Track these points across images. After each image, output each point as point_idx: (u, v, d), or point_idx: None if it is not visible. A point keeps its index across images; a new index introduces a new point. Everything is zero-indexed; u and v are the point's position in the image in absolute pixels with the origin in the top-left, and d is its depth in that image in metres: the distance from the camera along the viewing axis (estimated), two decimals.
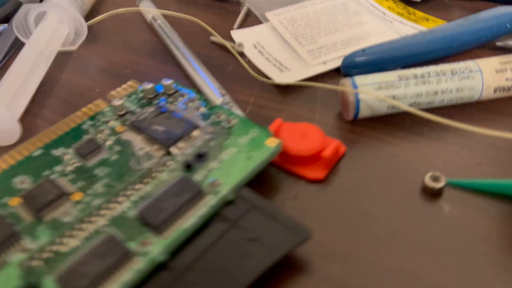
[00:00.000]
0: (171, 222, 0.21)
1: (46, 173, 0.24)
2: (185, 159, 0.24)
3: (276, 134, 0.26)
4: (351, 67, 0.31)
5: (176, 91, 0.29)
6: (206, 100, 0.28)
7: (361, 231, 0.23)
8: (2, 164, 0.25)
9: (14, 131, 0.29)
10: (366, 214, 0.24)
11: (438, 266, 0.21)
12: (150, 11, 0.39)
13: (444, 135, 0.28)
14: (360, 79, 0.27)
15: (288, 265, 0.22)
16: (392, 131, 0.28)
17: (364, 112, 0.27)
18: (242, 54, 0.35)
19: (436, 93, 0.27)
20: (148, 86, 0.28)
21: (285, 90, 0.32)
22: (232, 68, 0.34)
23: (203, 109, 0.27)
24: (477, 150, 0.27)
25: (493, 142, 0.27)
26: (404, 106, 0.26)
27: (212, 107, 0.27)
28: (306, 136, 0.26)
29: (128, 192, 0.22)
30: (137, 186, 0.23)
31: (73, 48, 0.37)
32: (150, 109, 0.27)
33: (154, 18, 0.38)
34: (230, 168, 0.23)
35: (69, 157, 0.25)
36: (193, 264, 0.20)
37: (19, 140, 0.29)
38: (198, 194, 0.22)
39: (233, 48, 0.35)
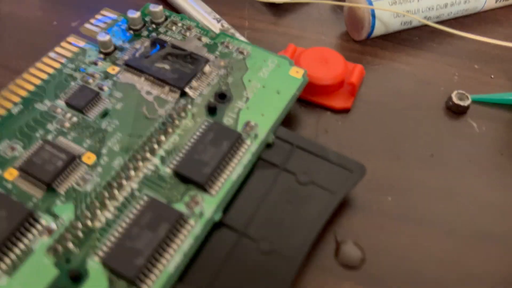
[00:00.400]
0: (217, 176, 0.18)
1: (39, 133, 0.20)
2: (205, 101, 0.21)
3: (291, 58, 0.24)
4: None
5: (165, 19, 0.24)
6: (204, 28, 0.24)
7: (399, 156, 0.22)
8: None
9: None
10: (400, 138, 0.23)
11: (479, 182, 0.22)
12: None
13: (453, 50, 0.27)
14: None
15: (343, 203, 0.21)
16: (403, 49, 0.27)
17: (378, 30, 0.26)
18: None
19: (446, 5, 0.26)
20: (134, 14, 0.23)
21: (279, 9, 0.29)
22: None
23: (205, 39, 0.24)
24: (487, 63, 0.26)
25: (502, 54, 0.27)
26: (424, 20, 0.25)
27: (214, 36, 0.24)
28: (327, 62, 0.24)
29: (152, 146, 0.19)
30: (160, 138, 0.20)
31: None
32: (144, 43, 0.23)
33: None
34: (260, 107, 0.21)
35: (61, 111, 0.20)
36: (252, 218, 0.18)
37: None
38: (237, 140, 0.19)
39: None
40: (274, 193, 0.19)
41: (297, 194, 0.19)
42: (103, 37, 0.22)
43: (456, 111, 0.24)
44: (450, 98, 0.24)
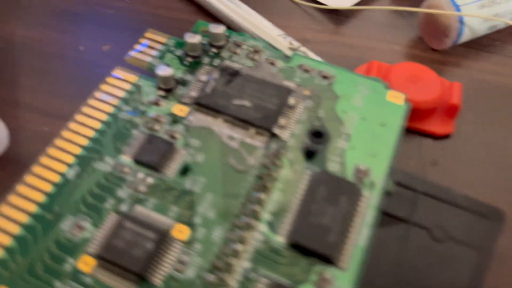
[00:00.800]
0: (343, 243, 0.15)
1: (109, 204, 0.16)
2: (300, 142, 0.17)
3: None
4: None
5: (227, 41, 0.21)
6: (273, 48, 0.21)
7: None
8: (28, 206, 0.15)
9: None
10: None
11: None
12: None
13: None
14: None
15: None
16: (488, 56, 0.24)
17: (465, 37, 0.23)
18: None
19: None
20: (195, 39, 0.19)
21: (338, 14, 0.25)
22: None
23: (279, 63, 0.20)
24: None
25: None
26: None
27: (287, 58, 0.20)
28: (419, 80, 0.21)
29: (253, 208, 0.16)
30: (259, 196, 0.16)
31: None
32: (211, 73, 0.19)
33: None
34: (367, 145, 0.17)
35: (130, 171, 0.16)
36: None
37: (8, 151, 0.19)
38: (355, 193, 0.16)
39: None
40: (408, 256, 0.16)
41: (435, 254, 0.16)
42: (164, 72, 0.18)
43: None
44: None
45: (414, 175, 0.18)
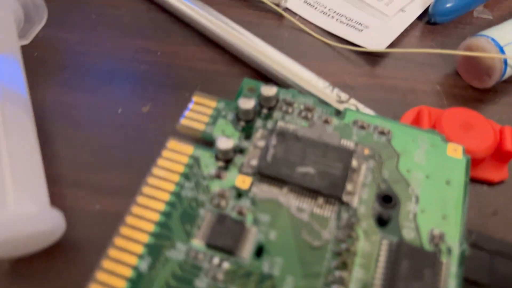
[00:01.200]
0: None
1: None
2: (369, 209, 0.17)
3: (430, 128, 0.20)
4: (441, 14, 0.25)
5: (277, 100, 0.20)
6: (323, 103, 0.20)
7: None
8: None
9: (55, 227, 0.18)
10: None
11: None
12: None
13: None
14: (500, 37, 0.22)
15: None
16: None
17: (507, 75, 0.23)
18: (285, 11, 0.26)
19: None
20: (248, 105, 0.19)
21: (373, 56, 0.25)
22: (288, 36, 0.25)
23: (333, 121, 0.20)
24: None
25: None
26: None
27: (340, 114, 0.20)
28: (471, 127, 0.20)
29: None
30: (339, 274, 0.16)
31: (26, 42, 0.23)
32: (269, 138, 0.18)
33: None
34: (436, 206, 0.17)
35: (204, 257, 0.16)
36: None
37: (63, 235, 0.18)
38: (435, 263, 0.16)
39: (275, 4, 0.26)
40: None
41: None
42: (226, 144, 0.17)
43: None
44: None
45: (484, 233, 0.17)
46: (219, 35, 0.24)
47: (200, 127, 0.19)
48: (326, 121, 0.19)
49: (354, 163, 0.18)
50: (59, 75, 0.23)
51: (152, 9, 0.26)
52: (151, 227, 0.16)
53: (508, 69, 0.22)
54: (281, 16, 0.26)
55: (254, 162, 0.18)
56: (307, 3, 0.27)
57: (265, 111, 0.20)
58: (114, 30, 0.25)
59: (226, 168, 0.18)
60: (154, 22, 0.25)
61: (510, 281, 0.17)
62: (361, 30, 0.25)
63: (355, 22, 0.26)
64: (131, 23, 0.25)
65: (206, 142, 0.19)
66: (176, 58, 0.24)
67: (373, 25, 0.25)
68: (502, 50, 0.22)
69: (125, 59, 0.24)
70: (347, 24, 0.26)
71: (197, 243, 0.16)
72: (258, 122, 0.19)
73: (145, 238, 0.16)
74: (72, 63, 0.23)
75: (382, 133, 0.19)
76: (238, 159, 0.18)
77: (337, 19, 0.26)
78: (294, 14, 0.26)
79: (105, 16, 0.26)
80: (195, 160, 0.18)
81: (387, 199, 0.18)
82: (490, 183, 0.21)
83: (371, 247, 0.16)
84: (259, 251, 0.16)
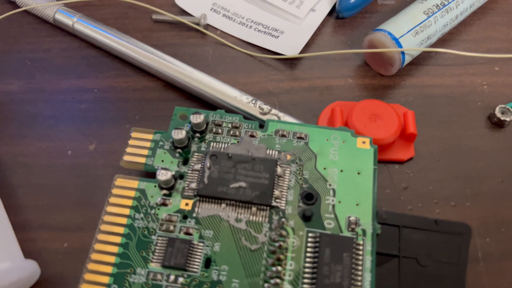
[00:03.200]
0: None
1: None
2: (295, 208, 0.20)
3: (342, 123, 0.24)
4: (347, 9, 0.28)
5: (207, 123, 0.23)
6: (248, 119, 0.23)
7: (482, 189, 0.23)
8: None
9: (31, 274, 0.20)
10: (473, 170, 0.24)
11: None
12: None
13: (466, 60, 0.28)
14: (395, 30, 0.25)
15: None
16: (428, 70, 0.27)
17: (406, 61, 0.26)
18: (206, 29, 0.29)
19: (456, 17, 0.27)
20: (181, 135, 0.21)
21: (291, 61, 0.28)
22: (212, 53, 0.28)
23: (258, 134, 0.22)
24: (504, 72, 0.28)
25: None
26: (443, 50, 0.26)
27: (261, 126, 0.23)
28: (379, 117, 0.24)
29: (275, 282, 0.19)
30: (275, 269, 0.19)
31: None
32: (203, 161, 0.21)
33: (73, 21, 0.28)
34: (350, 196, 0.21)
35: (161, 277, 0.19)
36: None
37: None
38: (352, 246, 0.19)
39: (195, 23, 0.28)
40: (405, 285, 0.20)
41: (426, 278, 0.20)
42: (165, 176, 0.20)
43: (499, 123, 0.25)
44: (490, 114, 0.25)
45: (393, 211, 0.21)
46: (148, 64, 0.26)
47: (141, 160, 0.22)
48: (252, 135, 0.22)
49: (279, 170, 0.21)
50: (8, 127, 0.25)
51: (83, 46, 0.28)
52: (113, 259, 0.19)
53: (407, 56, 0.25)
54: (203, 34, 0.28)
55: (193, 185, 0.21)
56: (226, 16, 0.29)
57: (197, 135, 0.22)
58: (50, 73, 0.27)
59: (169, 195, 0.21)
60: (86, 59, 0.27)
61: (413, 243, 0.20)
62: (277, 37, 0.28)
63: (271, 29, 0.28)
64: (65, 64, 0.27)
65: (150, 173, 0.22)
66: (112, 92, 0.26)
67: (288, 30, 0.28)
68: (398, 42, 0.25)
69: (66, 101, 0.26)
70: (264, 32, 0.28)
71: (154, 265, 0.19)
72: (193, 147, 0.22)
73: (110, 269, 0.19)
74: (18, 114, 0.25)
75: (300, 138, 0.22)
76: (180, 184, 0.21)
77: (255, 29, 0.28)
78: (215, 29, 0.29)
79: (39, 61, 0.27)
80: (141, 192, 0.21)
81: (309, 197, 0.21)
82: (400, 162, 0.24)
83: (299, 241, 0.20)
84: (208, 263, 0.19)
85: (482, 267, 0.21)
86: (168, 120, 0.23)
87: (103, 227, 0.20)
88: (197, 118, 0.22)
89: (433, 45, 0.27)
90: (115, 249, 0.19)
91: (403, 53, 0.25)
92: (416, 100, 0.26)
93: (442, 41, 0.28)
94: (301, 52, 0.27)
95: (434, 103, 0.26)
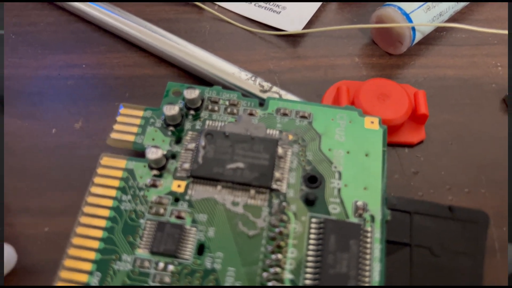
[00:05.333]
0: (362, 284, 0.17)
1: None
2: (297, 191, 0.19)
3: (349, 103, 0.22)
4: None
5: (202, 100, 0.21)
6: (247, 96, 0.21)
7: (498, 176, 0.21)
8: None
9: (7, 261, 0.18)
10: (488, 155, 0.22)
11: None
12: None
13: (479, 39, 0.26)
14: (406, 5, 0.23)
15: None
16: (439, 50, 0.25)
17: (417, 40, 0.24)
18: (203, 3, 0.27)
19: None
20: (173, 110, 0.20)
21: (294, 37, 0.26)
22: (209, 28, 0.26)
23: (258, 112, 0.21)
24: None
25: None
26: (454, 24, 0.24)
27: (262, 104, 0.21)
28: (388, 97, 0.22)
29: (275, 271, 0.17)
30: (275, 257, 0.17)
31: None
32: (198, 140, 0.19)
33: None
34: (358, 179, 0.19)
35: (149, 264, 0.17)
36: None
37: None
38: (359, 233, 0.18)
39: None
40: (416, 276, 0.18)
41: (440, 269, 0.18)
42: (155, 154, 0.18)
43: None
44: (505, 96, 0.24)
45: (403, 196, 0.19)
46: (141, 39, 0.24)
47: (130, 138, 0.20)
48: (251, 114, 0.21)
49: (280, 150, 0.19)
50: None
51: (72, 20, 0.26)
52: (96, 244, 0.17)
53: (418, 34, 0.24)
54: (200, 9, 0.26)
55: (187, 166, 0.19)
56: None
57: (192, 112, 0.21)
58: (35, 47, 0.25)
59: (160, 175, 0.19)
60: (75, 34, 0.26)
61: (426, 231, 0.19)
62: (279, 12, 0.26)
63: (273, 4, 0.26)
64: (52, 38, 0.25)
65: (139, 153, 0.20)
66: (101, 68, 0.24)
67: (290, 5, 0.26)
68: (408, 18, 0.23)
69: (51, 77, 0.24)
70: (265, 8, 0.26)
71: (142, 252, 0.17)
72: (187, 125, 0.20)
73: (92, 255, 0.17)
74: (4, 91, 0.24)
75: (303, 117, 0.21)
76: (171, 164, 0.19)
77: (255, 4, 0.26)
78: (213, 4, 0.27)
79: (24, 34, 0.25)
80: (130, 172, 0.19)
81: (312, 180, 0.19)
82: (410, 145, 0.22)
83: (301, 227, 0.18)
84: (201, 249, 0.18)
85: (499, 259, 0.20)
86: (160, 98, 0.21)
87: (87, 209, 0.18)
88: (192, 94, 0.20)
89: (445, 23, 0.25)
90: (99, 233, 0.18)
91: (413, 29, 0.23)
92: (427, 81, 0.24)
93: (453, 21, 0.26)
94: (304, 28, 0.25)
95: (446, 85, 0.24)
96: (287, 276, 0.17)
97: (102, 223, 0.18)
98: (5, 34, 0.25)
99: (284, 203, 0.18)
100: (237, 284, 0.17)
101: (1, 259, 0.18)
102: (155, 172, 0.19)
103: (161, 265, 0.17)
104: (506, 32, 0.24)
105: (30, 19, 0.26)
